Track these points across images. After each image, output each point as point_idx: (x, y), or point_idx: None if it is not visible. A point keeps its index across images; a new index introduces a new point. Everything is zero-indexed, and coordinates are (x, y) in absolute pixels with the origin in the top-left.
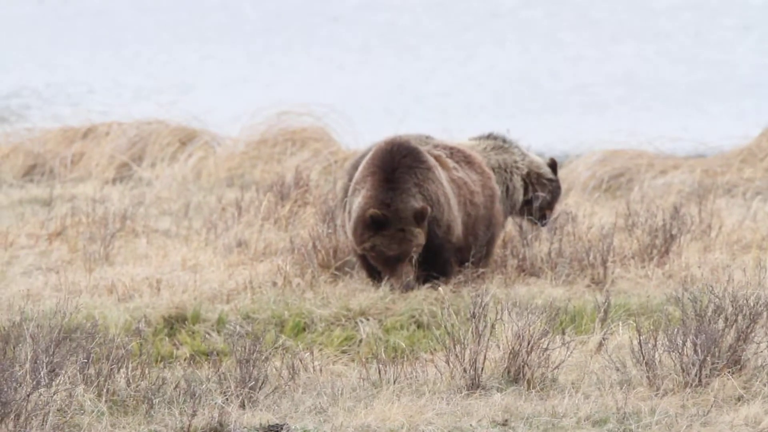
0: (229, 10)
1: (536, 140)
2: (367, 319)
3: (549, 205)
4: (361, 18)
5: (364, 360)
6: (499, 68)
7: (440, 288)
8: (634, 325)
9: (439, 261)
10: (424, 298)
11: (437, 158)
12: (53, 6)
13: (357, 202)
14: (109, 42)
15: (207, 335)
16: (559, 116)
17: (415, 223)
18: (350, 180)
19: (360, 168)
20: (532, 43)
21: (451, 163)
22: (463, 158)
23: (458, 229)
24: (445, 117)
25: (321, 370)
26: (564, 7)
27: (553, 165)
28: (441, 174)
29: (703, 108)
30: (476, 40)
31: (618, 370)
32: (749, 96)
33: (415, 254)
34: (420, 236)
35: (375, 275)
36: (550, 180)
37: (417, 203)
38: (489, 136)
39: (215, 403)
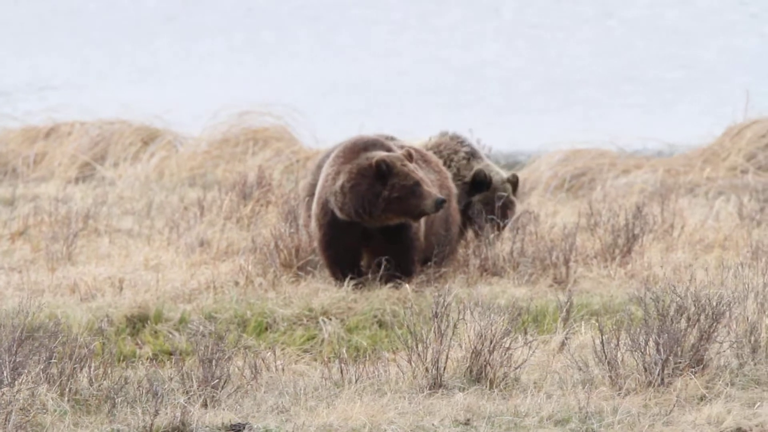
0: (201, 7)
1: (501, 139)
2: (330, 319)
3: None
4: (333, 15)
5: (326, 359)
6: (463, 65)
7: (403, 287)
8: (597, 324)
9: (405, 260)
10: (386, 297)
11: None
12: (27, 4)
13: (342, 179)
14: (75, 40)
15: (169, 335)
16: (523, 114)
17: (410, 161)
18: (314, 179)
19: (329, 162)
20: (500, 40)
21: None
22: (420, 157)
23: (423, 227)
24: (409, 115)
25: (283, 370)
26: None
27: (477, 175)
28: None
29: (666, 107)
30: (450, 39)
31: (580, 369)
32: (713, 95)
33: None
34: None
35: (339, 274)
36: (460, 185)
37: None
38: (442, 135)
39: (177, 403)
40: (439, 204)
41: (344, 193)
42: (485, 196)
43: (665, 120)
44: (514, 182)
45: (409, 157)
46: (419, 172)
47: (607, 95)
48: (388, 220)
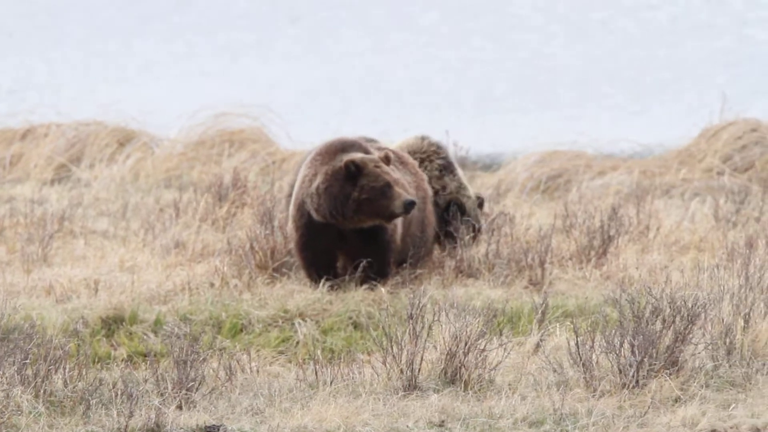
0: (183, 7)
1: (480, 139)
2: (305, 321)
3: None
4: (316, 17)
5: (301, 361)
6: (438, 67)
7: (378, 289)
8: (572, 326)
9: (380, 262)
10: (361, 299)
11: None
12: (5, 4)
13: (318, 180)
14: (56, 40)
15: (144, 336)
16: (502, 115)
17: (386, 163)
18: (294, 179)
19: (306, 164)
20: (472, 41)
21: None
22: (398, 159)
23: (400, 229)
24: (390, 115)
25: (258, 371)
26: (499, 6)
27: (452, 204)
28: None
29: (645, 108)
30: (426, 39)
31: (555, 371)
32: (692, 97)
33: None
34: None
35: (315, 275)
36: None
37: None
38: (421, 139)
39: (152, 404)
40: (408, 205)
41: (319, 195)
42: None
43: (644, 121)
44: (479, 203)
45: (387, 159)
46: (393, 173)
47: (586, 96)
48: (361, 222)
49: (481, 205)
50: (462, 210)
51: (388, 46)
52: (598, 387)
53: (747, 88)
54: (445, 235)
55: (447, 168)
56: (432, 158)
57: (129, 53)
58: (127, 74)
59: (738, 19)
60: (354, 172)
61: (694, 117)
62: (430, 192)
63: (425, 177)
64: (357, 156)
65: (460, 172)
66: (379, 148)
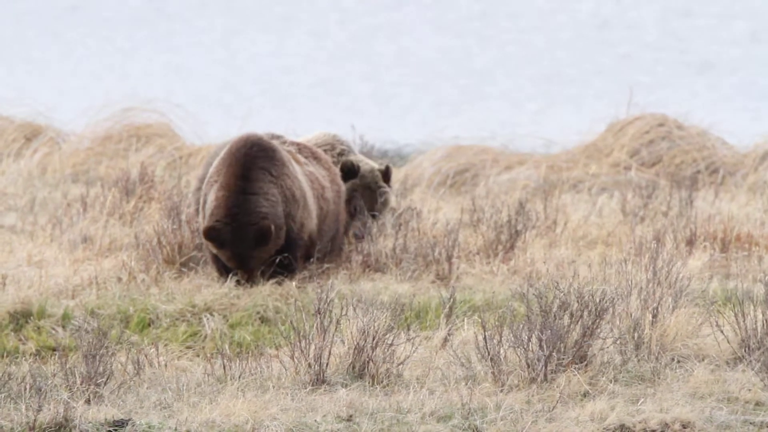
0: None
1: (383, 136)
2: (212, 315)
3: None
4: (231, 13)
5: (208, 355)
6: (352, 61)
7: (285, 284)
8: (479, 320)
9: (288, 257)
10: (269, 293)
11: (289, 154)
12: None
13: (210, 199)
14: None
15: (52, 331)
16: (407, 110)
17: (254, 245)
18: (205, 173)
19: (216, 161)
20: (373, 37)
21: (301, 158)
22: (311, 154)
23: (312, 224)
24: (300, 110)
25: (166, 366)
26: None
27: (345, 165)
28: (296, 169)
29: (550, 104)
30: (329, 37)
31: (463, 365)
32: (595, 91)
33: (262, 263)
34: (263, 251)
35: (224, 271)
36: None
37: (266, 210)
38: (324, 135)
39: (61, 399)
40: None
41: (203, 212)
42: (354, 184)
43: (550, 116)
44: (384, 171)
45: (263, 238)
46: (252, 261)
47: (493, 91)
48: None
49: (386, 173)
50: (354, 172)
51: (292, 44)
52: (506, 381)
53: (653, 82)
54: (349, 213)
55: (346, 152)
56: (334, 145)
57: (36, 48)
58: (33, 69)
59: (646, 13)
60: (210, 240)
61: (601, 111)
62: (343, 187)
63: (338, 172)
64: (216, 231)
65: (360, 155)
66: (284, 143)
